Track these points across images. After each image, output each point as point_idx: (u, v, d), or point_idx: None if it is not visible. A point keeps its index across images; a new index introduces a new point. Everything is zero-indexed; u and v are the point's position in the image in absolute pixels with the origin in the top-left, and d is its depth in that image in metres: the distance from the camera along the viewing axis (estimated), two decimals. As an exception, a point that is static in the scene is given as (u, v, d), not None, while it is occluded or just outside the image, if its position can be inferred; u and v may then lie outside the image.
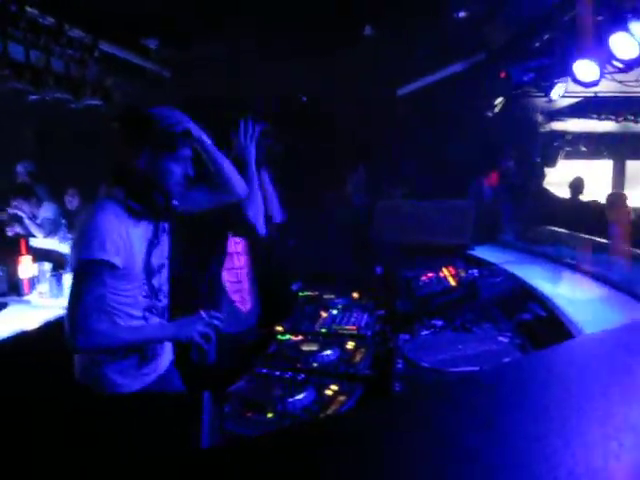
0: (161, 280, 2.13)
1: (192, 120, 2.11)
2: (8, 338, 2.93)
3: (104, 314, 1.88)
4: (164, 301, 2.15)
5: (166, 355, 2.21)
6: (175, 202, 2.08)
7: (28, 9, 4.13)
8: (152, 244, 2.08)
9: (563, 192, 6.66)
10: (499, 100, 5.59)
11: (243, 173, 2.53)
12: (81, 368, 1.98)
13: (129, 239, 1.94)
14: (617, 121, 7.06)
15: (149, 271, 2.06)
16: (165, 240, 2.18)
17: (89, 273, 1.85)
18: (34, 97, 4.50)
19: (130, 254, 1.95)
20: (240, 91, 6.14)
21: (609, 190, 8.53)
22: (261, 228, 2.76)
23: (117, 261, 1.88)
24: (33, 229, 5.19)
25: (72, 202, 5.93)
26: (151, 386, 2.03)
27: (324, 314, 3.01)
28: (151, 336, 2.02)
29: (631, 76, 4.36)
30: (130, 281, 1.98)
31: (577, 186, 6.45)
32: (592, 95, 5.98)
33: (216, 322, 2.01)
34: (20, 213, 5.23)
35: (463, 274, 3.22)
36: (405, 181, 6.43)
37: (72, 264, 1.91)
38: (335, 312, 3.05)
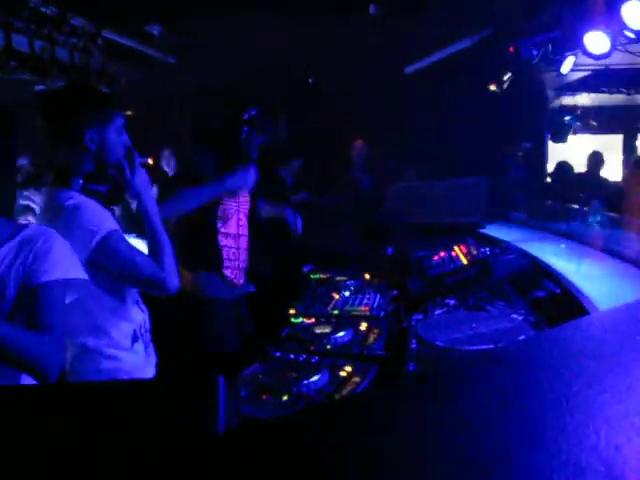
0: None
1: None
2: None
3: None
4: None
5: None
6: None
7: (31, -1, 4.12)
8: None
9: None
10: (508, 76, 5.52)
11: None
12: (89, 371, 1.88)
13: (109, 219, 1.89)
14: (628, 94, 6.94)
15: None
16: None
17: (119, 240, 1.85)
18: (40, 87, 4.50)
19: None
20: (245, 75, 6.12)
21: (620, 164, 8.45)
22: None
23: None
24: (45, 220, 5.19)
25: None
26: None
27: (336, 296, 3.01)
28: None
29: (643, 47, 4.28)
30: None
31: (596, 160, 6.40)
32: (602, 68, 5.89)
33: None
34: (32, 204, 5.24)
35: (475, 252, 3.20)
36: (419, 161, 6.40)
37: (88, 253, 1.79)
38: (347, 294, 3.05)
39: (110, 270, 1.86)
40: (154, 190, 2.12)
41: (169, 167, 5.71)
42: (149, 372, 2.06)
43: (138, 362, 1.99)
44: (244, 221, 3.05)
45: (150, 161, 2.14)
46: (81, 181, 1.88)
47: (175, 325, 2.66)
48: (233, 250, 2.97)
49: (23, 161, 5.86)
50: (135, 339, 1.98)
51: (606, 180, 6.33)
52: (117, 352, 1.92)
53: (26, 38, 4.14)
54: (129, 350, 1.95)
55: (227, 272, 2.92)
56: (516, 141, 7.00)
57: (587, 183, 5.93)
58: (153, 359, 2.12)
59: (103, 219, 1.83)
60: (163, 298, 2.01)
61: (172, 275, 1.93)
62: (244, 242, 3.04)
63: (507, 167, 6.35)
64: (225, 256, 2.93)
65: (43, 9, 4.24)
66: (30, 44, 4.18)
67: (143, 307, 2.10)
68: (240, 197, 3.02)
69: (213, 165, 2.92)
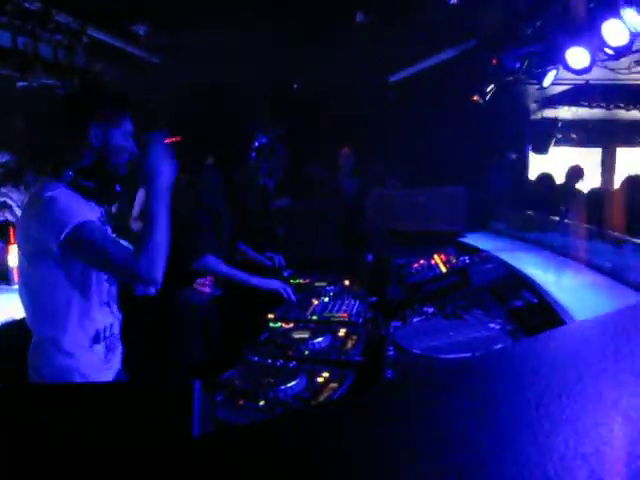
0: None
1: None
2: (-3, 327, 2.92)
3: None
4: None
5: (119, 345, 2.15)
6: (118, 187, 2.02)
7: (14, -6, 4.07)
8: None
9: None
10: (490, 87, 5.58)
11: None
12: (44, 365, 1.90)
13: (86, 211, 1.89)
14: (608, 109, 7.06)
15: None
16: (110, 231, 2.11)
17: (93, 230, 1.83)
18: (22, 84, 4.44)
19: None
20: (229, 77, 6.11)
21: (599, 177, 8.58)
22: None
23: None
24: (22, 217, 5.14)
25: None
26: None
27: (315, 301, 3.02)
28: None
29: (623, 64, 4.36)
30: None
31: (575, 174, 6.47)
32: (583, 82, 5.98)
33: None
34: (9, 201, 5.18)
35: (454, 261, 3.23)
36: (401, 169, 6.43)
37: (58, 244, 1.79)
38: (326, 299, 3.05)
39: (83, 259, 1.87)
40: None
41: None
42: (107, 376, 2.03)
43: (95, 364, 1.97)
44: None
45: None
46: (71, 174, 1.89)
47: (143, 330, 2.68)
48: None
49: (5, 157, 5.79)
50: (96, 340, 1.97)
51: (580, 192, 6.38)
52: (73, 349, 1.90)
53: (9, 33, 4.09)
54: (86, 349, 1.94)
55: (197, 286, 3.04)
56: (499, 152, 7.06)
57: (563, 195, 5.98)
58: (115, 365, 2.10)
59: (77, 211, 1.82)
60: (131, 304, 2.07)
61: (151, 265, 1.85)
62: None
63: (490, 177, 6.40)
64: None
65: (27, 4, 4.19)
66: (13, 39, 4.12)
67: (115, 310, 2.09)
68: None
69: (219, 183, 2.97)
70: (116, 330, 2.09)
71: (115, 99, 2.01)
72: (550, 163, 7.84)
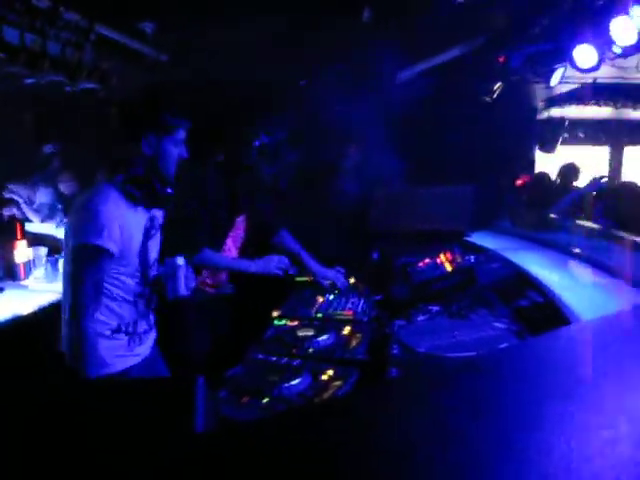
0: (154, 272, 2.23)
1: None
2: (4, 323, 2.93)
3: (99, 304, 2.02)
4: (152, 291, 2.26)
5: (152, 334, 2.32)
6: (169, 190, 2.16)
7: (23, -9, 4.08)
8: (148, 233, 2.16)
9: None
10: (497, 85, 5.56)
11: None
12: (71, 345, 2.02)
13: (126, 224, 2.01)
14: (616, 107, 7.02)
15: (145, 260, 2.15)
16: (159, 236, 2.26)
17: (87, 258, 1.95)
18: (30, 81, 4.46)
19: (126, 239, 2.02)
20: (237, 76, 6.11)
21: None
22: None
23: (112, 247, 1.96)
24: (29, 214, 5.17)
25: (68, 187, 5.89)
26: (136, 368, 2.16)
27: (320, 299, 3.02)
28: None
29: (631, 62, 4.34)
30: (125, 266, 2.07)
31: (570, 172, 6.37)
32: (591, 81, 5.95)
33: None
34: (16, 197, 5.21)
35: (460, 260, 3.22)
36: (407, 168, 6.39)
37: (69, 246, 1.98)
38: (331, 297, 3.05)
39: (69, 268, 2.02)
40: None
41: None
42: (130, 362, 2.15)
43: (117, 350, 2.10)
44: (230, 245, 3.12)
45: None
46: (120, 179, 2.03)
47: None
48: (210, 271, 3.06)
49: (51, 148, 5.85)
50: (118, 331, 2.11)
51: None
52: (94, 335, 2.02)
53: (17, 31, 4.09)
54: (107, 337, 2.07)
55: (200, 285, 3.01)
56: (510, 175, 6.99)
57: (559, 195, 5.90)
58: (143, 352, 2.23)
59: (105, 223, 1.93)
60: None
61: (86, 319, 1.98)
62: None
63: (505, 202, 6.30)
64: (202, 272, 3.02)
65: (35, 2, 4.19)
66: (21, 37, 4.13)
67: (144, 310, 2.21)
68: (236, 230, 3.10)
69: (221, 184, 2.95)
70: (141, 327, 2.21)
71: (173, 109, 2.13)
72: (557, 162, 7.80)
